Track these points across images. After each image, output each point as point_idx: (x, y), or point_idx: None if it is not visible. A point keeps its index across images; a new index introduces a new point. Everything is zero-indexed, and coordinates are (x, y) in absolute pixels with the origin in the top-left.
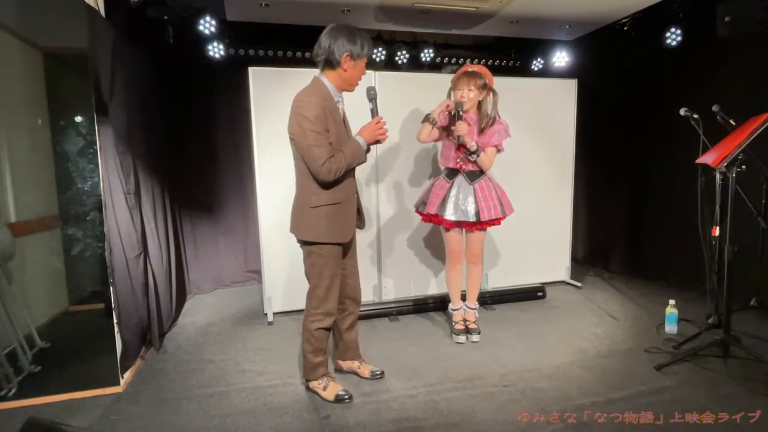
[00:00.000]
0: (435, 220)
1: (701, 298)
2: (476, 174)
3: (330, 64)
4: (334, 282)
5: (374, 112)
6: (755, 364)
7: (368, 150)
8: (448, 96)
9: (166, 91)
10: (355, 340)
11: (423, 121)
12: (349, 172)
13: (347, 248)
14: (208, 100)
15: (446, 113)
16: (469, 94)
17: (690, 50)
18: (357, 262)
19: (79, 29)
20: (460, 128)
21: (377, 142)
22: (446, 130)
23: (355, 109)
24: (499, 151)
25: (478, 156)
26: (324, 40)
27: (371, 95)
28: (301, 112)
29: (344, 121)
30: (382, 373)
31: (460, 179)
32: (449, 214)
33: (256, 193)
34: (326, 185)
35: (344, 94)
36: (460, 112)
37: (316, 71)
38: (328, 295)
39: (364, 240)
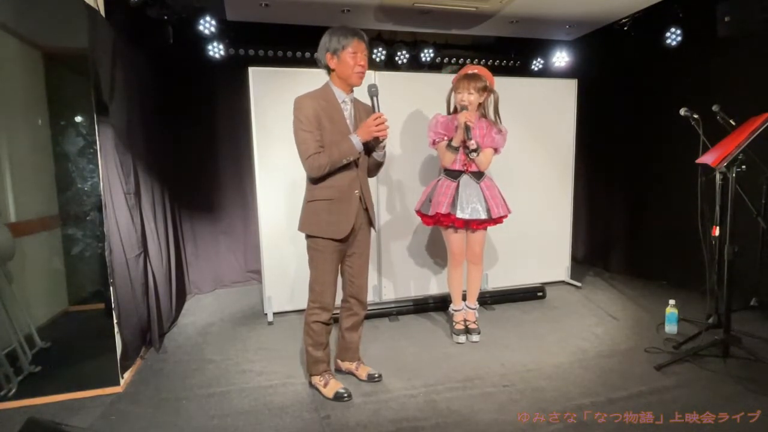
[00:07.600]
0: (445, 219)
1: (701, 298)
2: (480, 174)
3: (326, 68)
4: (330, 277)
5: (374, 109)
6: (755, 364)
7: (381, 148)
8: (449, 96)
9: (166, 91)
10: (356, 342)
11: (447, 149)
12: (346, 170)
13: (350, 246)
14: (208, 100)
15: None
16: (469, 98)
17: (690, 50)
18: (367, 264)
19: (79, 29)
20: (465, 116)
21: (376, 139)
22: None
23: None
24: (496, 152)
25: (477, 155)
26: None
27: (372, 92)
28: (295, 113)
29: (355, 120)
30: (380, 376)
31: (465, 179)
32: (461, 212)
33: (256, 193)
34: (316, 180)
35: (359, 94)
36: (469, 133)
37: (316, 71)
38: (324, 290)
39: None
